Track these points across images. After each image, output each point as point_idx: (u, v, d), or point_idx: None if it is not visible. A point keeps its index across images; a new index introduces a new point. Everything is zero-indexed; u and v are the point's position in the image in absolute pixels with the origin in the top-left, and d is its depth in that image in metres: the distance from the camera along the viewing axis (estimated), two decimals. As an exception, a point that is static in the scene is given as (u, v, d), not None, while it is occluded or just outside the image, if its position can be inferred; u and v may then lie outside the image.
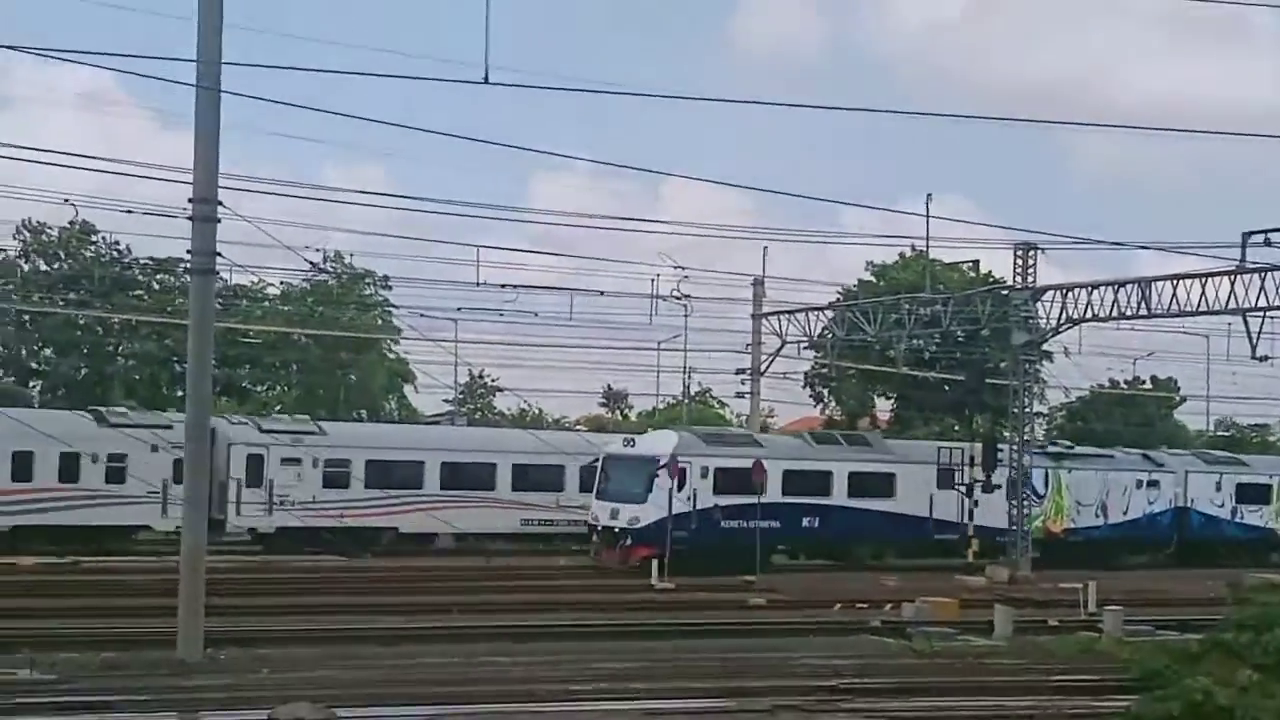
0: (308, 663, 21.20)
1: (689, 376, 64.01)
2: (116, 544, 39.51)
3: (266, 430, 42.48)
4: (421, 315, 51.22)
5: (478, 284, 45.28)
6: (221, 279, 30.90)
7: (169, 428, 39.10)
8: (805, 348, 53.34)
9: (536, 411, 64.16)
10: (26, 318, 62.33)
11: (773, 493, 39.92)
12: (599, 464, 40.63)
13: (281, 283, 62.20)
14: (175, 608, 21.36)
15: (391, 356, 68.34)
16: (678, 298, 49.43)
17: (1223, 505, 50.80)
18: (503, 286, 46.18)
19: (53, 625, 24.01)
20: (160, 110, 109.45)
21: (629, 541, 38.26)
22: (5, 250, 61.11)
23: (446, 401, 67.64)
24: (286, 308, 64.42)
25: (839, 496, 42.00)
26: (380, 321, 65.92)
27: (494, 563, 39.72)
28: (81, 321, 60.70)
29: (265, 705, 15.53)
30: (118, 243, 61.67)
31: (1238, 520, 51.23)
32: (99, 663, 20.73)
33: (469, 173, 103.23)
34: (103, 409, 42.82)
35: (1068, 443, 52.34)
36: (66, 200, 40.18)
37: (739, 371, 51.15)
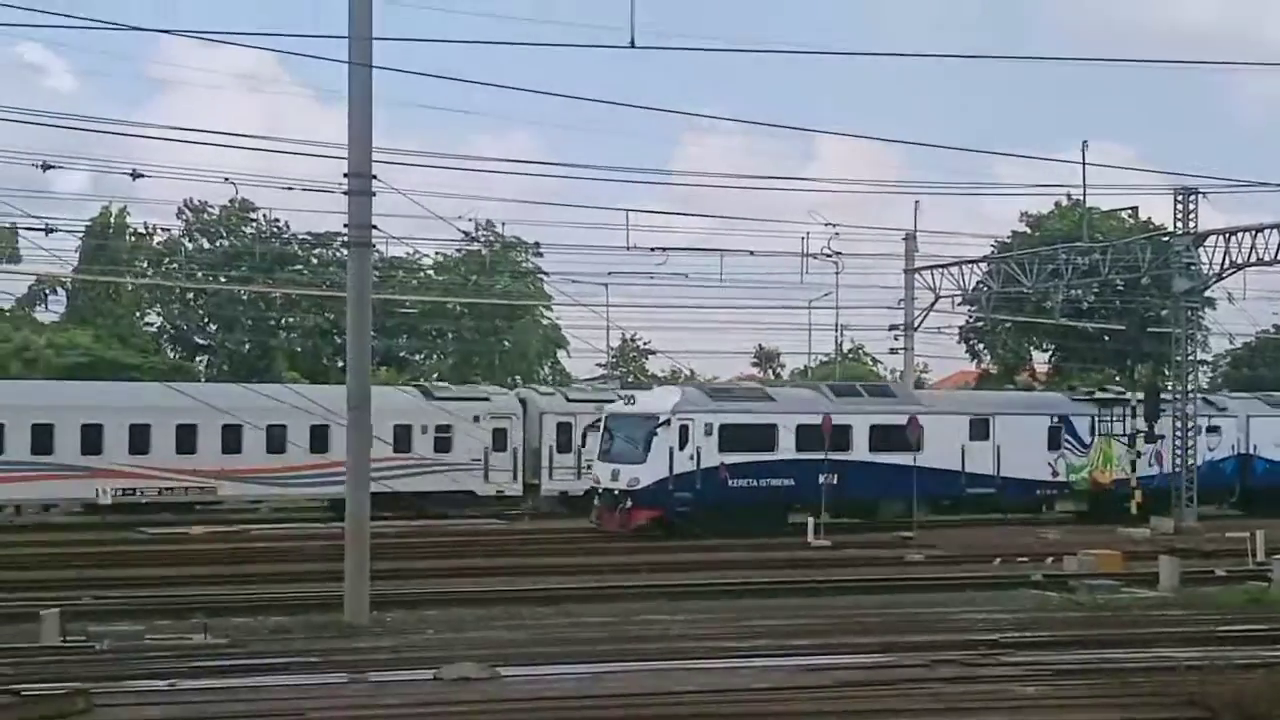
0: (471, 623, 21.63)
1: (841, 334, 63.65)
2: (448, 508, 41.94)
3: (573, 400, 45.38)
4: (572, 281, 51.63)
5: (628, 248, 45.43)
6: (378, 251, 31.41)
7: (486, 399, 44.01)
8: (959, 302, 52.67)
9: (688, 373, 64.23)
10: (191, 295, 64.13)
11: (785, 449, 38.43)
12: (601, 423, 39.13)
13: (436, 253, 63.14)
14: (342, 572, 21.95)
15: (544, 323, 69.02)
16: (828, 255, 49.04)
17: None
18: (652, 250, 46.29)
19: (225, 592, 24.75)
20: (316, 87, 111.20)
21: (629, 504, 36.62)
22: (169, 229, 62.91)
23: (599, 365, 68.12)
24: (442, 277, 65.35)
25: (860, 451, 39.62)
26: (532, 288, 66.58)
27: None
28: (244, 297, 62.28)
29: (431, 665, 15.86)
30: (277, 219, 63.18)
31: None
32: (269, 627, 21.41)
33: (617, 137, 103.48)
34: (428, 384, 46.67)
35: (1119, 388, 48.70)
36: (227, 179, 41.11)
37: (892, 328, 50.72)
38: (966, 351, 70.92)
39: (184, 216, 63.12)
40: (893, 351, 52.62)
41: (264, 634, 20.57)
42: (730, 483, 37.54)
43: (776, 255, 49.41)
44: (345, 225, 22.96)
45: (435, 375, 59.59)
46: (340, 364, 56.08)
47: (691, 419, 37.43)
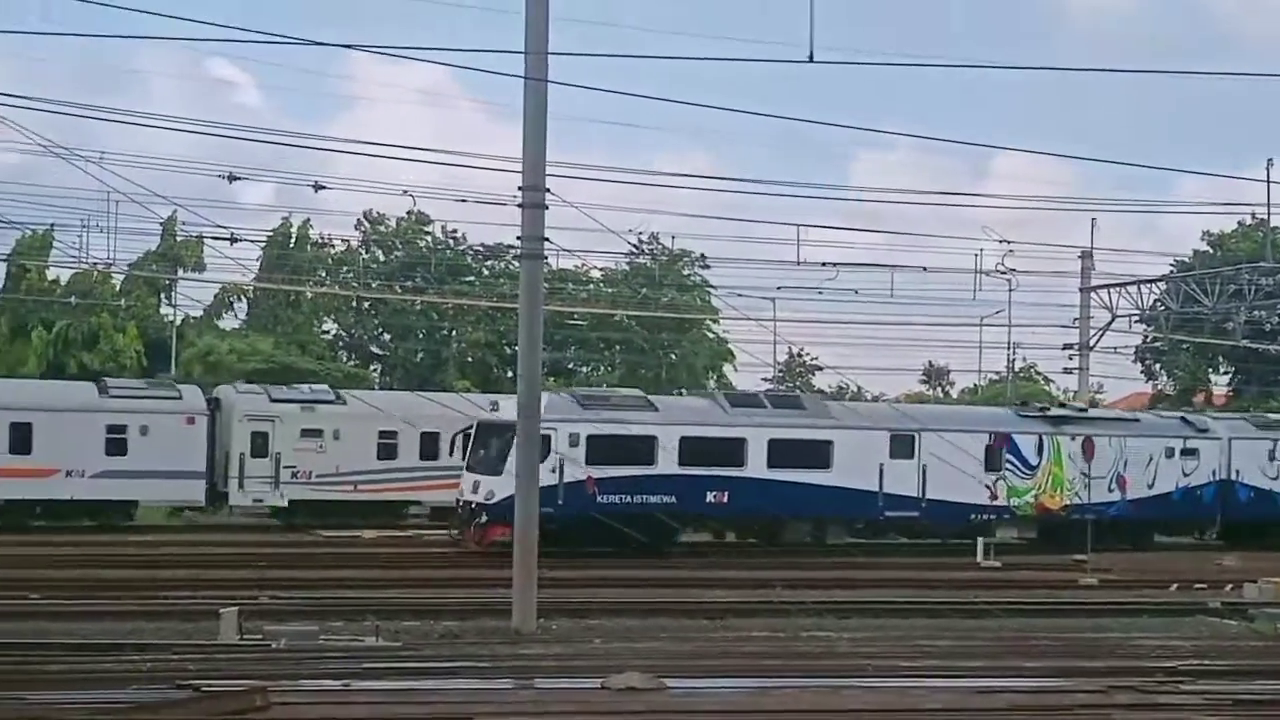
0: (637, 634, 21.69)
1: (1013, 352, 62.60)
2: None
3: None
4: (739, 294, 51.58)
5: (798, 262, 45.25)
6: (548, 263, 31.75)
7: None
8: (1136, 321, 51.53)
9: (855, 389, 63.70)
10: (367, 304, 65.49)
11: (666, 464, 35.08)
12: (472, 431, 36.10)
13: (600, 268, 63.60)
14: (509, 579, 22.20)
15: (711, 336, 69.05)
16: (1002, 272, 48.31)
17: (1277, 477, 42.32)
18: (823, 264, 46.05)
19: (396, 595, 25.17)
20: (492, 103, 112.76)
21: (483, 519, 33.70)
22: (348, 240, 64.36)
23: (765, 380, 67.90)
24: (610, 290, 65.78)
25: (755, 468, 36.11)
26: (699, 301, 66.67)
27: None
28: (418, 307, 63.36)
29: (597, 674, 15.92)
30: (453, 231, 64.25)
31: None
32: (439, 631, 21.73)
33: (791, 152, 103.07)
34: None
35: (1082, 405, 44.70)
36: (405, 191, 41.95)
37: (1066, 347, 49.78)
38: (1142, 372, 69.34)
39: (362, 228, 64.57)
40: (1067, 371, 51.69)
41: (434, 638, 20.88)
42: (599, 498, 34.62)
43: (949, 272, 48.84)
44: (518, 237, 23.25)
45: (603, 387, 59.97)
46: (510, 374, 56.79)
47: (554, 429, 33.60)
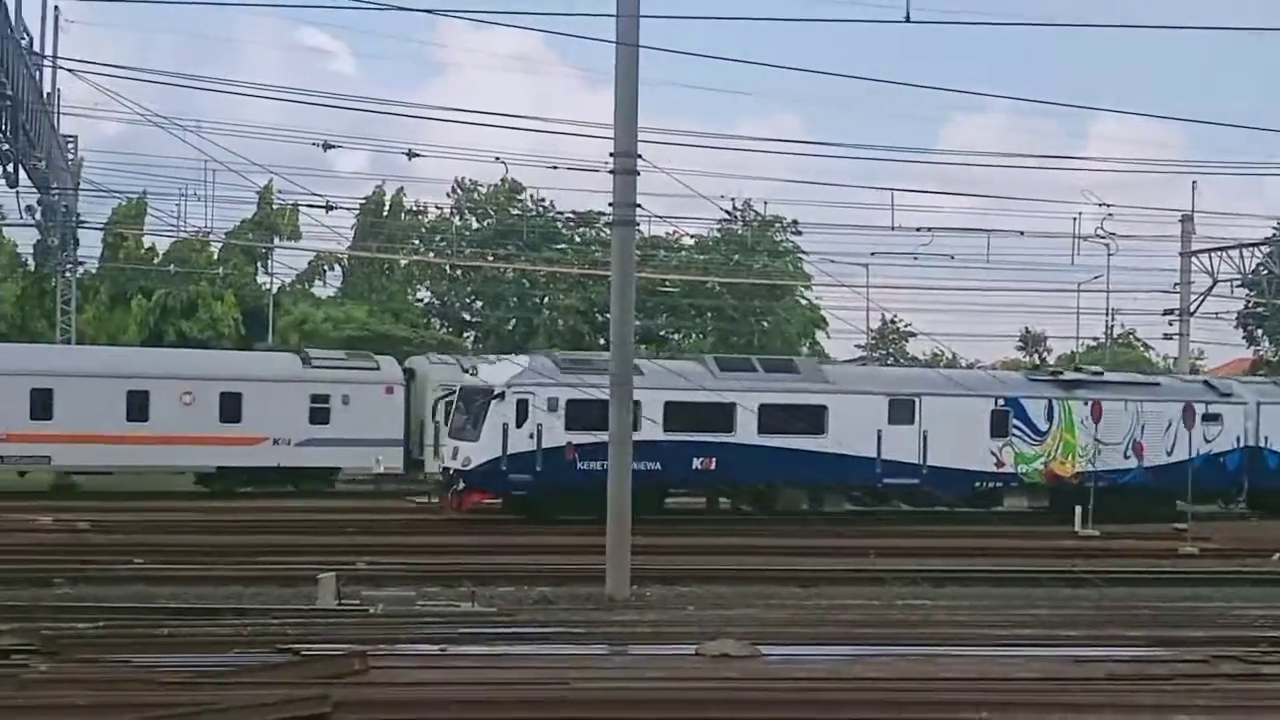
0: (729, 601, 21.69)
1: (1111, 318, 61.80)
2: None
3: None
4: (831, 260, 51.25)
5: (892, 228, 44.88)
6: (640, 230, 31.74)
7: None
8: (1238, 285, 50.60)
9: (949, 356, 63.15)
10: (459, 272, 65.88)
11: (650, 430, 33.41)
12: (456, 396, 35.77)
13: (692, 235, 63.45)
14: (603, 546, 22.28)
15: (803, 303, 68.73)
16: (1101, 236, 47.68)
17: None
18: (917, 229, 45.65)
19: (491, 561, 25.34)
20: (585, 69, 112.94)
21: (461, 485, 33.71)
22: (440, 208, 64.74)
23: (858, 347, 67.56)
24: (702, 257, 65.65)
25: (745, 433, 35.26)
26: (791, 268, 66.36)
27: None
28: (510, 275, 63.62)
29: (691, 640, 15.93)
30: (543, 198, 64.38)
31: None
32: (533, 597, 21.87)
33: (884, 116, 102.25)
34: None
35: (1096, 368, 42.86)
36: (498, 158, 42.09)
37: (1167, 312, 49.03)
38: (1244, 337, 68.18)
39: (454, 195, 64.91)
40: (1166, 337, 50.94)
41: (528, 604, 21.01)
42: (579, 464, 33.54)
43: (1046, 236, 48.24)
44: (610, 204, 23.23)
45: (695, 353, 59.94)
46: (601, 341, 56.92)
47: (531, 393, 33.76)
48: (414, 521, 32.99)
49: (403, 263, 63.75)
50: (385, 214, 64.18)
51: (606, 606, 20.73)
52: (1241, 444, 39.74)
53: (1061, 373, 40.82)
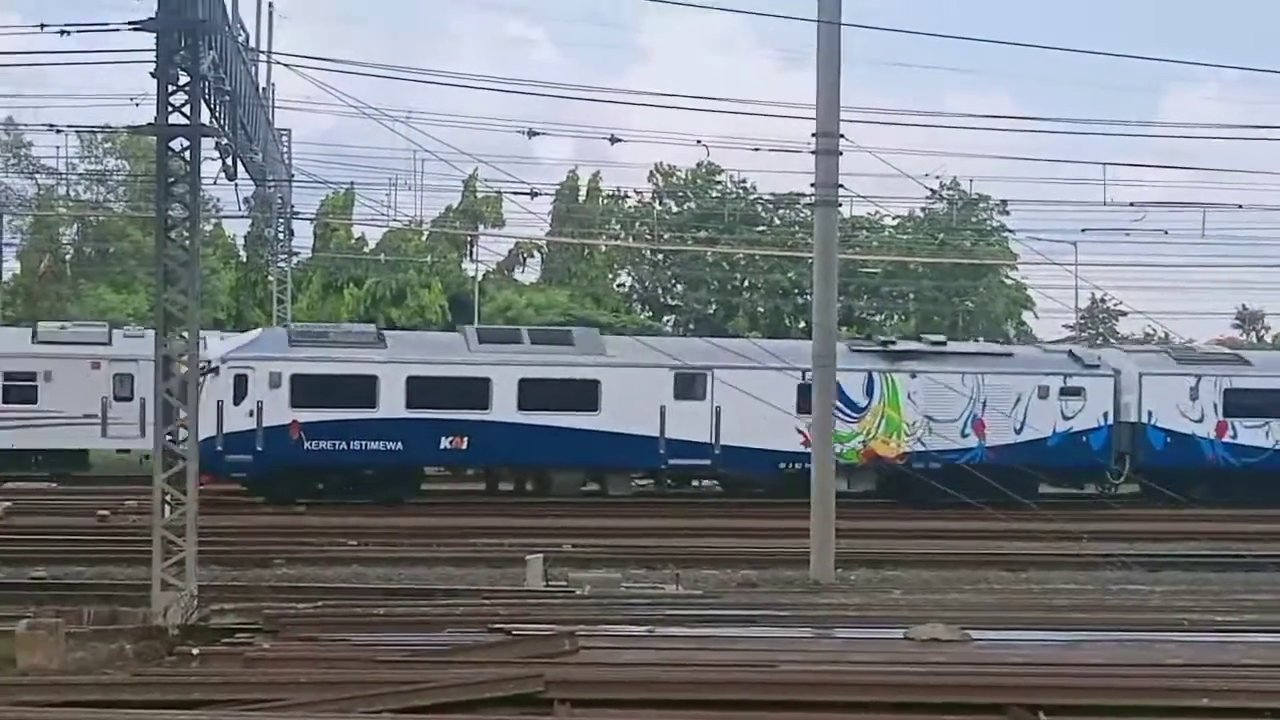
0: (936, 585, 21.45)
1: (1333, 294, 59.34)
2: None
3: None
4: (1039, 238, 50.11)
5: (1104, 203, 43.66)
6: (841, 211, 31.50)
7: None
8: None
9: (1162, 335, 61.39)
10: (660, 256, 66.21)
11: (390, 406, 31.87)
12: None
13: (894, 216, 62.78)
14: (806, 530, 22.23)
15: (1009, 282, 67.51)
16: (1322, 209, 45.69)
17: (1201, 420, 36.38)
18: (1130, 204, 44.32)
19: (694, 544, 25.46)
20: (786, 50, 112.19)
21: None
22: (639, 192, 65.18)
23: (1066, 326, 66.02)
24: (904, 237, 64.93)
25: (502, 410, 32.65)
26: (997, 247, 65.22)
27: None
28: (710, 258, 63.74)
29: (899, 624, 15.76)
30: (743, 181, 64.34)
31: (1229, 440, 36.48)
32: (737, 580, 21.92)
33: (1096, 89, 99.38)
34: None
35: (939, 338, 38.89)
36: (699, 141, 42.12)
37: (1393, 286, 46.94)
38: None
39: (654, 180, 65.24)
40: (1393, 312, 48.75)
41: (733, 587, 21.07)
42: (306, 444, 31.77)
43: (1267, 210, 46.45)
44: (812, 185, 23.11)
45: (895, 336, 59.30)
46: (802, 323, 56.71)
47: (251, 368, 31.70)
48: (620, 504, 33.21)
49: (603, 248, 64.37)
50: (582, 198, 64.84)
51: (812, 590, 20.71)
52: (1110, 420, 35.81)
53: (894, 342, 37.27)
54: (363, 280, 58.97)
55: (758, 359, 33.94)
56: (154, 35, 16.30)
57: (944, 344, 36.97)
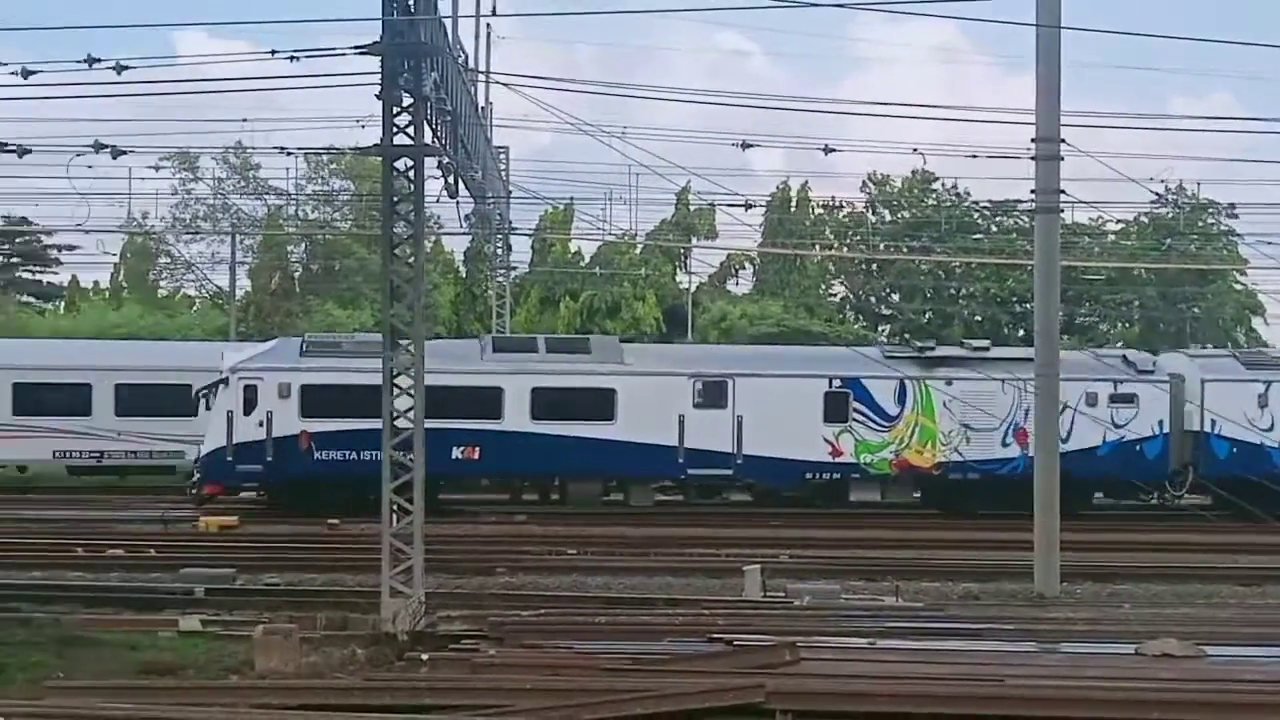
0: (1167, 599, 20.85)
1: None
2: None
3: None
4: (1270, 242, 48.37)
5: (1340, 204, 41.95)
6: (1062, 216, 30.89)
7: None
8: None
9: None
10: (874, 265, 65.70)
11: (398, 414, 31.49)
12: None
13: (1117, 221, 61.17)
14: (1028, 542, 21.81)
15: (1238, 288, 65.28)
16: None
17: (1272, 428, 33.77)
18: (1366, 205, 42.54)
19: (914, 556, 25.18)
20: (1003, 54, 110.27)
21: (197, 475, 31.73)
22: (852, 202, 64.75)
23: (1300, 332, 63.55)
24: (1128, 242, 63.27)
25: (514, 420, 32.06)
26: (1225, 252, 63.12)
27: None
28: (924, 266, 62.99)
29: (1128, 639, 15.39)
30: (952, 187, 63.47)
31: None
32: (958, 593, 21.61)
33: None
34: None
35: (983, 343, 36.18)
36: (915, 149, 41.74)
37: None
38: None
39: (867, 189, 64.80)
40: None
41: (954, 599, 20.78)
42: (316, 454, 31.46)
43: None
44: (1031, 191, 22.69)
45: (1119, 344, 57.79)
46: (1020, 332, 55.65)
47: (260, 378, 31.49)
48: (836, 515, 33.00)
49: (816, 258, 64.12)
50: (793, 208, 64.69)
51: (1036, 603, 20.32)
52: (1166, 429, 33.72)
53: (933, 347, 35.43)
54: (578, 293, 59.75)
55: (782, 366, 33.88)
56: (379, 59, 16.77)
57: (986, 349, 35.38)
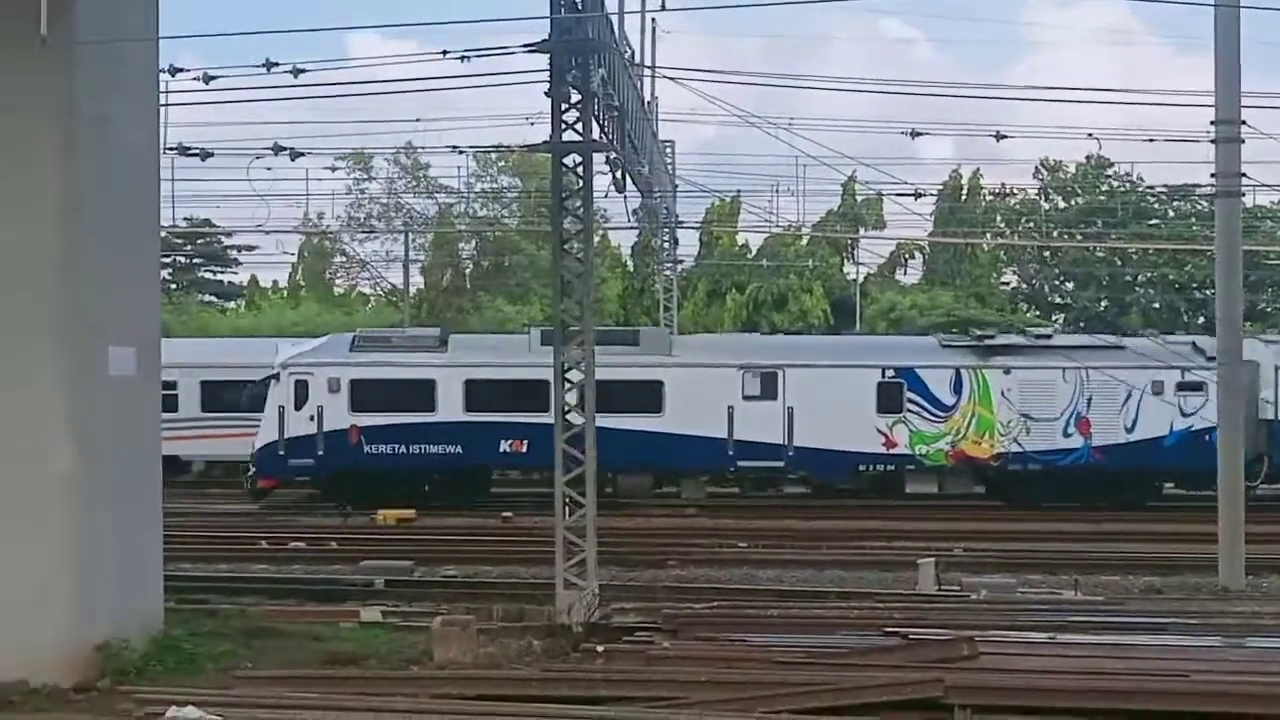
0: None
1: None
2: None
3: None
4: None
5: None
6: (1243, 201, 30.03)
7: None
8: None
9: None
10: (1047, 253, 64.53)
11: (449, 409, 31.78)
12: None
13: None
14: (1214, 535, 21.27)
15: None
16: None
17: None
18: None
19: (1093, 549, 24.74)
20: (1179, 35, 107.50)
21: (252, 469, 32.37)
22: (1023, 189, 63.69)
23: None
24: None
25: None
26: None
27: None
28: (1099, 254, 61.70)
29: (1320, 636, 14.94)
30: (1129, 174, 62.06)
31: None
32: (1139, 586, 21.16)
33: None
34: None
35: (1045, 330, 35.85)
36: (1090, 134, 40.85)
37: None
38: None
39: (1040, 176, 63.68)
40: None
41: (1135, 593, 20.36)
42: (365, 448, 31.93)
43: None
44: (1211, 175, 22.12)
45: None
46: (1202, 320, 54.23)
47: (310, 373, 32.05)
48: (1012, 508, 32.52)
49: (985, 246, 63.18)
50: (964, 197, 63.83)
51: (1220, 596, 19.83)
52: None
53: (993, 336, 35.02)
54: (745, 286, 59.67)
55: (833, 357, 33.70)
56: (547, 56, 16.92)
57: (1049, 337, 35.05)
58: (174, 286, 64.26)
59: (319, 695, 12.25)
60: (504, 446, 32.07)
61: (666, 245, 48.95)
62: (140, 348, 14.90)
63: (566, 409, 17.44)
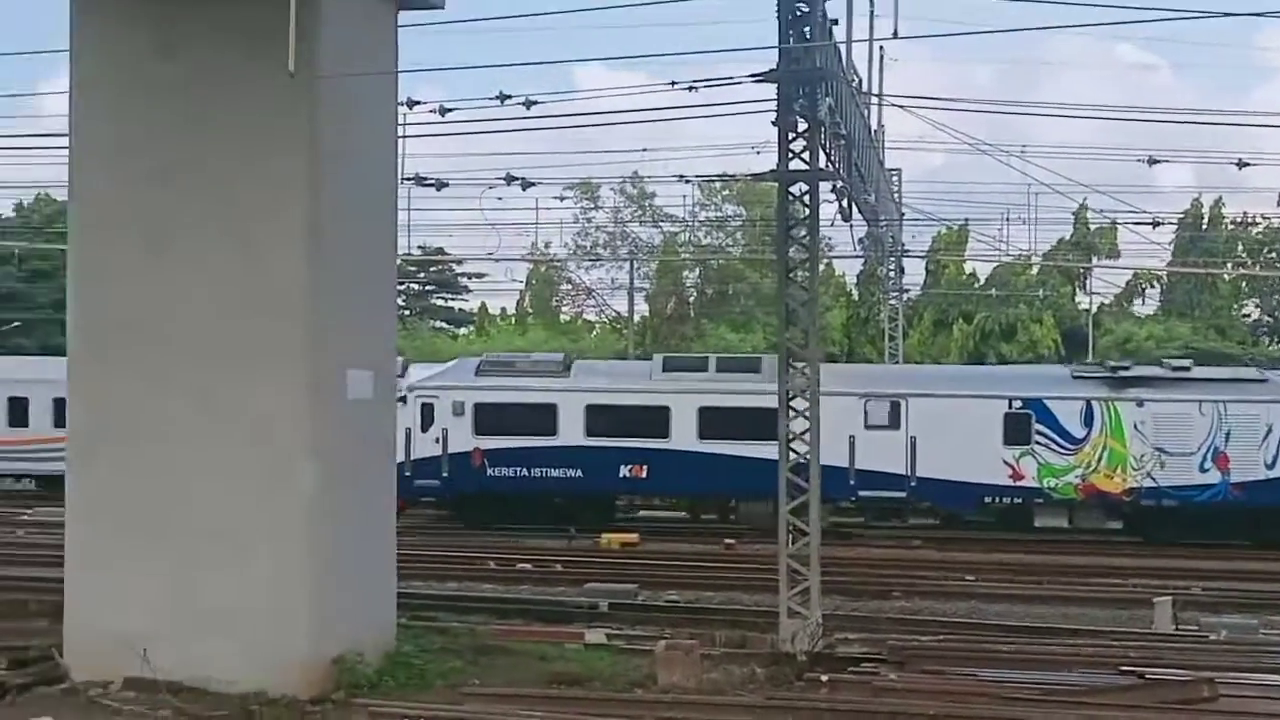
0: None
1: None
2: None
3: None
4: None
5: None
6: None
7: None
8: None
9: None
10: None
11: (570, 434, 32.00)
12: None
13: None
14: None
15: None
16: None
17: None
18: None
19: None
20: None
21: None
22: (1267, 217, 61.42)
23: None
24: None
25: (682, 439, 31.88)
26: None
27: None
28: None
29: None
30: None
31: None
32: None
33: None
34: None
35: (1180, 361, 33.86)
36: (1337, 161, 39.30)
37: None
38: None
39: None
40: None
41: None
42: (489, 470, 32.33)
43: None
44: None
45: None
46: None
47: (436, 397, 32.63)
48: (1246, 546, 31.29)
49: (1225, 277, 61.08)
50: (1205, 226, 61.83)
51: None
52: None
53: (1127, 366, 33.56)
54: (972, 315, 58.74)
55: (958, 386, 33.19)
56: (774, 86, 16.96)
57: (1187, 369, 33.37)
58: (407, 313, 66.03)
59: (544, 714, 12.42)
60: (624, 471, 32.63)
61: (892, 274, 48.53)
62: (377, 371, 15.36)
63: (790, 437, 17.38)
